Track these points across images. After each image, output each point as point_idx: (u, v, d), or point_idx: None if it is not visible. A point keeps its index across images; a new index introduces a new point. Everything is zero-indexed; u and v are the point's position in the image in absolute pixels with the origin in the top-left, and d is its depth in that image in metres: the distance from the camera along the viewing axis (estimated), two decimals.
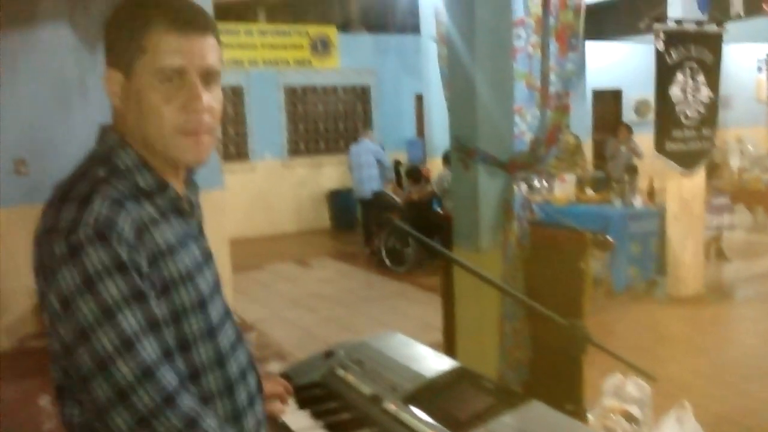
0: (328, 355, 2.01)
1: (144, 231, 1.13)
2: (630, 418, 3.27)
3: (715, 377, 4.52)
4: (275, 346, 5.42)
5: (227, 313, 1.31)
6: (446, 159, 8.29)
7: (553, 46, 2.78)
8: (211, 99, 1.21)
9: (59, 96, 5.57)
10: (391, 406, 1.63)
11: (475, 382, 1.68)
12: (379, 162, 9.40)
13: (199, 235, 1.31)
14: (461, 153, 3.13)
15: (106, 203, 1.10)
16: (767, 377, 4.41)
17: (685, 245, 6.31)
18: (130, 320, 1.07)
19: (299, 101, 11.39)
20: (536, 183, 7.27)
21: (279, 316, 6.40)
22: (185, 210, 1.25)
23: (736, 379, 4.42)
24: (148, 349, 1.08)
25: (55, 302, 1.08)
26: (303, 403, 1.77)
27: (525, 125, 3.00)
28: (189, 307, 1.17)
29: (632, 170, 7.54)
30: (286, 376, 1.84)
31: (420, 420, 1.54)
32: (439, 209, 7.88)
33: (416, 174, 8.73)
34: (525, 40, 2.95)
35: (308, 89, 11.43)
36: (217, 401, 1.23)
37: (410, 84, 11.59)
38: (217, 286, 1.30)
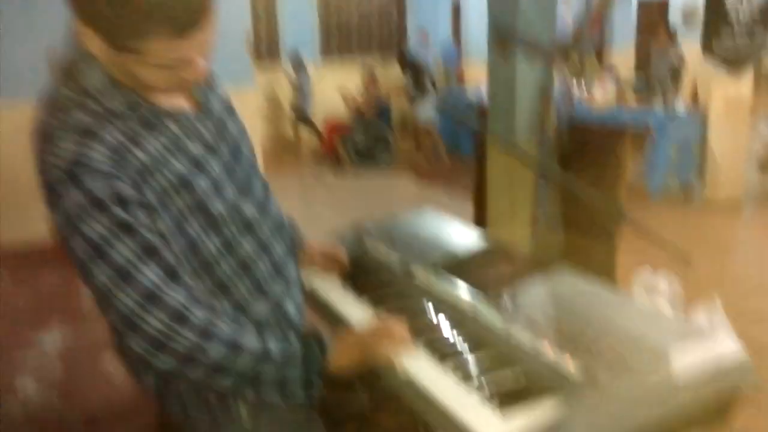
0: (358, 228, 2.01)
1: (124, 152, 1.09)
2: None
3: (747, 278, 4.48)
4: None
5: (244, 191, 1.28)
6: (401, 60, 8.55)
7: None
8: (205, 46, 1.11)
9: None
10: (421, 274, 1.64)
11: (506, 251, 1.67)
12: None
13: (203, 118, 1.25)
14: (500, 41, 3.02)
15: (72, 137, 1.06)
16: None
17: (725, 150, 6.13)
18: (122, 252, 1.07)
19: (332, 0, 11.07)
20: (575, 86, 7.07)
21: (312, 217, 6.45)
22: (170, 113, 1.19)
23: None
24: (149, 275, 1.08)
25: (59, 236, 1.11)
26: None
27: (568, 12, 2.87)
28: (187, 212, 1.16)
29: (676, 73, 7.24)
30: None
31: (449, 285, 1.55)
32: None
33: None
34: None
35: None
36: (236, 282, 1.25)
37: None
38: (229, 170, 1.26)
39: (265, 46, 10.61)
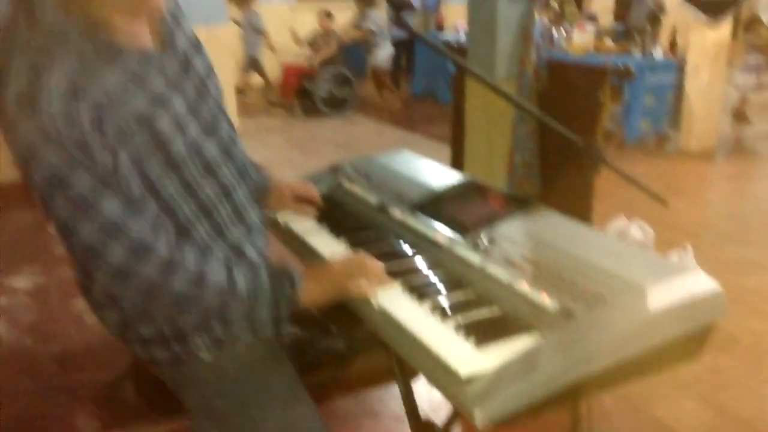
0: (335, 169, 1.98)
1: (79, 86, 1.03)
2: None
3: (719, 227, 4.55)
4: None
5: (208, 131, 1.24)
6: None
7: None
8: None
9: None
10: (397, 213, 1.62)
11: (483, 191, 1.65)
12: None
13: (167, 56, 1.20)
14: None
15: (25, 75, 1.01)
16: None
17: (702, 99, 6.15)
18: (81, 182, 1.03)
19: None
20: (554, 32, 7.01)
21: (285, 158, 6.39)
22: (131, 50, 1.13)
23: (741, 229, 4.46)
24: (110, 206, 1.06)
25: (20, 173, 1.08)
26: None
27: None
28: (146, 151, 1.12)
29: (655, 20, 7.21)
30: None
31: (426, 224, 1.53)
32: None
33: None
34: None
35: None
36: (196, 225, 1.22)
37: None
38: (193, 109, 1.21)
39: None
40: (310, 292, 1.27)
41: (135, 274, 1.09)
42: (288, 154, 6.59)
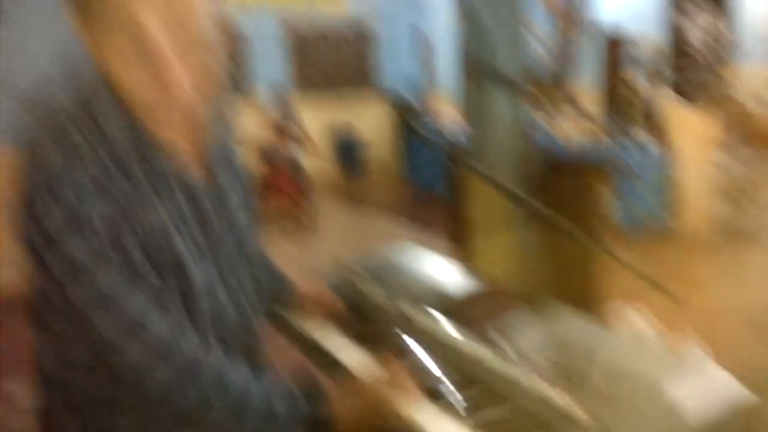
0: (343, 268, 1.95)
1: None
2: None
3: (724, 314, 4.49)
4: None
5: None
6: None
7: None
8: None
9: None
10: (416, 316, 1.58)
11: (497, 290, 1.65)
12: None
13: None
14: (475, 75, 3.03)
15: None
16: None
17: (691, 182, 6.27)
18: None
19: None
20: (545, 122, 7.14)
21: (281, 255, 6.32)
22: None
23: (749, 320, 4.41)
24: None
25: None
26: None
27: (540, 45, 2.90)
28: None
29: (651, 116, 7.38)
30: None
31: (443, 327, 1.51)
32: None
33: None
34: None
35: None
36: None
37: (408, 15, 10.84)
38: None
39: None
40: (345, 413, 1.14)
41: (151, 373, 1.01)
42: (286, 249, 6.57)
